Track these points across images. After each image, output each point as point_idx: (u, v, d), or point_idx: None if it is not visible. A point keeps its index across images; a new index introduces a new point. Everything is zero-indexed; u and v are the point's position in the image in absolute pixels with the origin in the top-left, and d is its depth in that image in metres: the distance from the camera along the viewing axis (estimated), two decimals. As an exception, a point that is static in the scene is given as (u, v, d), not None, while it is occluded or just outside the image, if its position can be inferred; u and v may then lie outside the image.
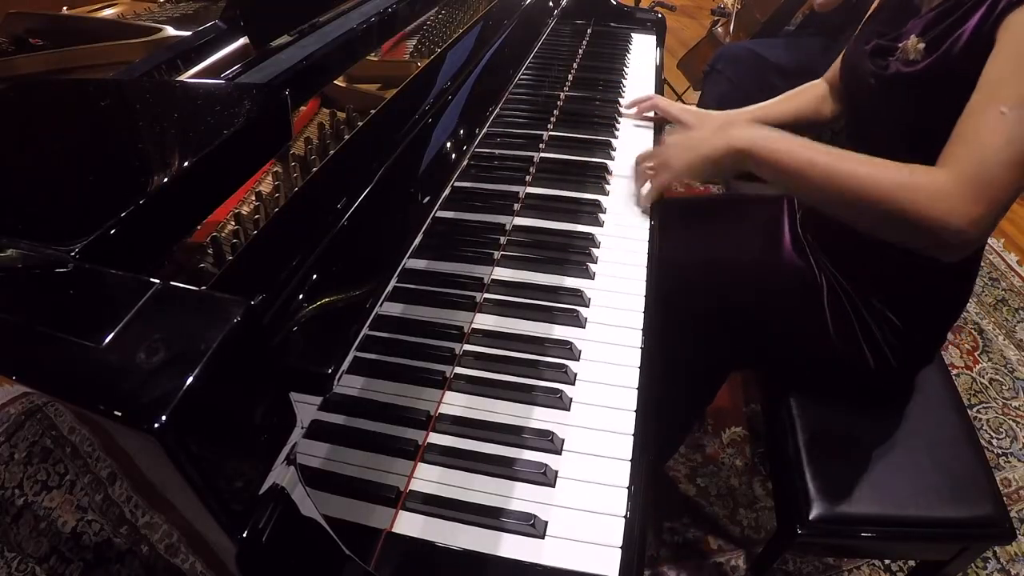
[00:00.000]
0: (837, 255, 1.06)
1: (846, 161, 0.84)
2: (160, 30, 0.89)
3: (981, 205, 0.76)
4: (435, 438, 0.70)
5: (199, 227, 0.64)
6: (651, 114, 1.34)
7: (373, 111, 0.76)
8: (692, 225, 1.26)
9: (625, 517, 0.64)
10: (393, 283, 0.62)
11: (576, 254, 0.96)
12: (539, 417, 0.73)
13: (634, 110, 1.34)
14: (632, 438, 0.71)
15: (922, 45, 0.86)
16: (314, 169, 0.69)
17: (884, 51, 0.93)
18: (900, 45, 0.89)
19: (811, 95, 1.26)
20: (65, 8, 1.03)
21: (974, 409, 1.78)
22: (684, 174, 1.03)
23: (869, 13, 1.06)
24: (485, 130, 0.87)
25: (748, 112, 1.29)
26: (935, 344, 1.09)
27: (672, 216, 1.16)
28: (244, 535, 0.45)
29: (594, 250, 0.97)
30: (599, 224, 1.03)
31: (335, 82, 0.87)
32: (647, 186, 1.08)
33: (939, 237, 0.78)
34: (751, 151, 0.92)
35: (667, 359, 0.84)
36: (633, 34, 1.70)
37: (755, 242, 1.18)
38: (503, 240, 0.96)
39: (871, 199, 0.81)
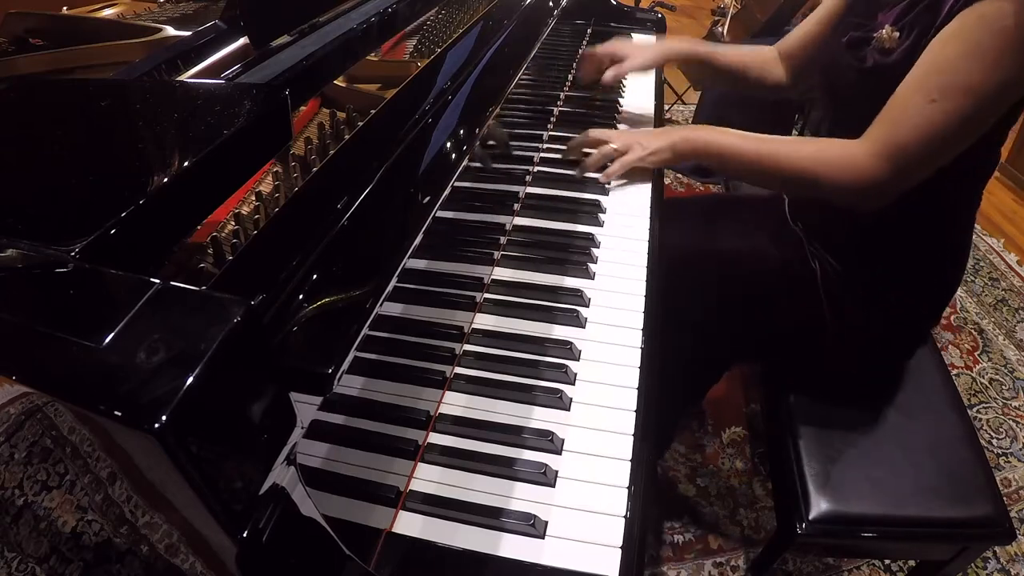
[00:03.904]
0: (827, 240, 1.08)
1: (769, 144, 0.98)
2: (160, 30, 0.89)
3: (888, 172, 0.86)
4: (435, 438, 0.70)
5: (199, 227, 0.64)
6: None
7: (373, 111, 0.76)
8: (689, 222, 1.27)
9: (625, 517, 0.64)
10: (393, 283, 0.62)
11: (576, 254, 0.96)
12: (539, 417, 0.73)
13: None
14: (632, 438, 0.71)
15: (896, 33, 0.89)
16: (314, 169, 0.69)
17: (860, 42, 0.95)
18: (875, 35, 0.91)
19: (759, 56, 1.28)
20: (65, 8, 1.03)
21: (974, 409, 1.78)
22: (652, 155, 1.07)
23: (842, 11, 1.08)
24: (485, 130, 0.87)
25: (692, 43, 1.33)
26: (931, 320, 1.11)
27: (670, 214, 1.17)
28: (244, 535, 0.45)
29: (594, 250, 0.97)
30: (599, 224, 1.03)
31: (335, 82, 0.87)
32: (614, 166, 1.09)
33: (851, 197, 0.91)
34: (707, 145, 1.04)
35: (664, 352, 0.84)
36: (633, 34, 1.70)
37: (749, 237, 1.20)
38: (503, 240, 0.96)
39: (792, 172, 0.95)
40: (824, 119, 1.11)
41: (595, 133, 1.12)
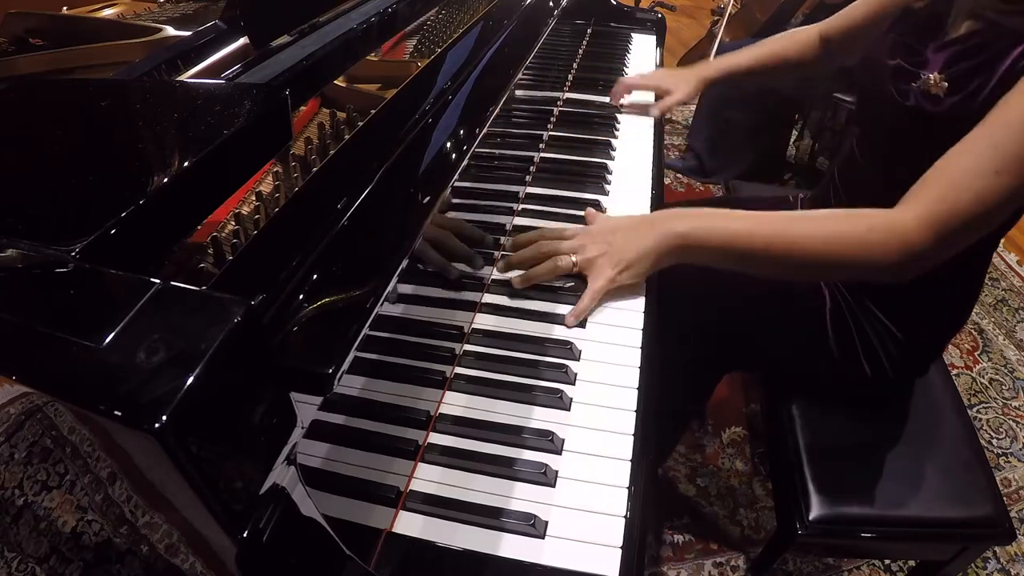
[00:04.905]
0: None
1: (788, 223, 0.82)
2: (160, 30, 0.89)
3: (935, 242, 0.76)
4: (435, 438, 0.70)
5: (199, 227, 0.64)
6: (643, 97, 1.35)
7: (373, 111, 0.76)
8: None
9: (625, 517, 0.64)
10: (393, 283, 0.62)
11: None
12: (539, 417, 0.73)
13: (630, 102, 1.35)
14: (632, 438, 0.71)
15: (945, 83, 0.83)
16: (314, 169, 0.69)
17: (905, 75, 0.90)
18: (922, 75, 0.87)
19: (797, 39, 1.28)
20: (65, 8, 1.03)
21: (974, 409, 1.78)
22: (626, 270, 0.85)
23: (895, 17, 1.02)
24: (485, 130, 0.87)
25: (722, 60, 1.31)
26: (933, 356, 1.10)
27: None
28: (244, 535, 0.45)
29: (594, 250, 0.97)
30: (599, 224, 1.03)
31: (335, 82, 0.87)
32: (584, 300, 0.84)
33: (889, 272, 0.80)
34: (704, 236, 0.84)
35: (664, 360, 0.84)
36: (633, 34, 1.70)
37: None
38: (503, 240, 0.96)
39: (832, 259, 0.80)
40: (839, 117, 1.07)
41: (545, 246, 0.86)
